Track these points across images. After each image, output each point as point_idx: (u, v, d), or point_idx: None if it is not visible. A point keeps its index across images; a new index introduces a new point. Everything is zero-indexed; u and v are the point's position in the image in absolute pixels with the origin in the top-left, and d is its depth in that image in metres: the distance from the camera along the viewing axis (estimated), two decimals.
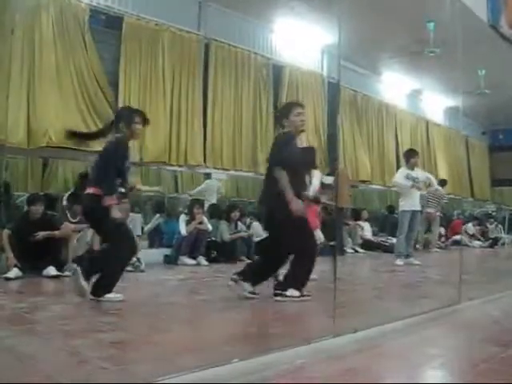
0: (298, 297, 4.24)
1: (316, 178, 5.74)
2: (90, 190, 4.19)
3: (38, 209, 5.84)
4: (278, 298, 4.27)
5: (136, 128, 4.30)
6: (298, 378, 2.43)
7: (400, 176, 7.95)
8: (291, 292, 4.26)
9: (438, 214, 10.89)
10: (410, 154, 8.16)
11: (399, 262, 7.70)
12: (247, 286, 4.38)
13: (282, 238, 4.37)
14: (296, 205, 4.20)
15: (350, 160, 12.42)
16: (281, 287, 4.34)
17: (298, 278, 4.35)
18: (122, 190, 4.27)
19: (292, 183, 4.23)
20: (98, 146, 7.62)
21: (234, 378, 2.30)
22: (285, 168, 4.23)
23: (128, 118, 4.29)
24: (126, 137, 4.29)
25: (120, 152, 4.21)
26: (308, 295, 4.29)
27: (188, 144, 9.14)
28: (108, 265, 4.11)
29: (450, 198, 13.03)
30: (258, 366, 2.48)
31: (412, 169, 7.94)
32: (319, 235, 5.90)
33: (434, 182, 9.21)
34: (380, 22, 9.61)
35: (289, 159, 4.27)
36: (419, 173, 8.13)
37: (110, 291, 4.05)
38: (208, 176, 9.84)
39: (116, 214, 4.06)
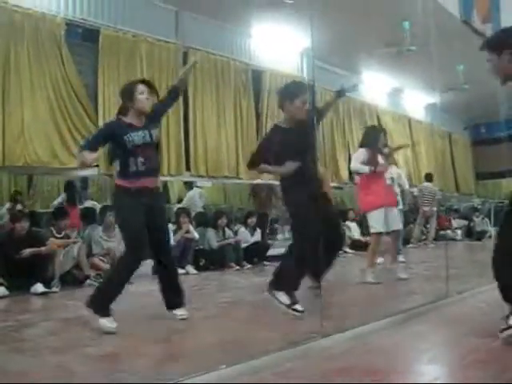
0: (288, 306, 3.87)
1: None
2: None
3: (24, 226, 5.79)
4: (269, 295, 3.98)
5: (139, 98, 3.76)
6: (289, 381, 2.43)
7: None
8: (282, 298, 3.92)
9: (434, 209, 11.00)
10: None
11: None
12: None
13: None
14: (284, 168, 4.04)
15: (330, 162, 12.47)
16: (273, 286, 4.01)
17: (289, 280, 4.00)
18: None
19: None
20: (73, 163, 7.74)
21: None
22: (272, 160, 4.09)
23: (129, 91, 3.82)
24: (134, 110, 3.78)
25: (108, 128, 3.85)
26: (300, 311, 3.82)
27: (170, 152, 9.13)
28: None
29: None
30: (247, 370, 2.48)
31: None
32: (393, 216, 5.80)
33: (405, 181, 8.48)
34: (356, 23, 9.68)
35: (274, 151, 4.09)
36: (395, 172, 8.01)
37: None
38: (190, 185, 9.82)
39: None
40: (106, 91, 8.38)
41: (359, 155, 5.87)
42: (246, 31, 10.75)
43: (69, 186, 8.48)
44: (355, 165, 5.83)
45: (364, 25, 9.81)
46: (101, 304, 3.59)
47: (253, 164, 4.32)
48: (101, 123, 8.13)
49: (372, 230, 5.82)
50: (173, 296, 3.95)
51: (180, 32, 9.59)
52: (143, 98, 3.78)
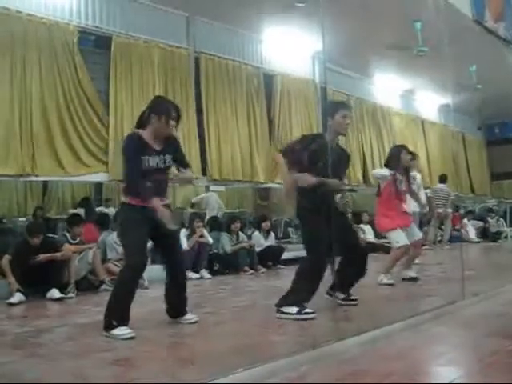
0: (297, 313, 3.85)
1: None
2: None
3: (37, 241, 5.77)
4: (278, 315, 3.96)
5: (169, 124, 3.71)
6: None
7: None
8: (288, 309, 3.91)
9: (449, 211, 10.93)
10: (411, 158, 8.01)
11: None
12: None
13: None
14: (304, 178, 4.04)
15: None
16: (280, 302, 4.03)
17: (298, 293, 3.99)
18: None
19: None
20: (81, 170, 7.81)
21: None
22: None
23: (159, 108, 3.74)
24: (154, 130, 3.73)
25: (133, 149, 3.69)
26: (310, 313, 3.85)
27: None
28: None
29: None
30: (262, 374, 2.47)
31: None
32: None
33: (422, 197, 8.25)
34: (367, 25, 9.65)
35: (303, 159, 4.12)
36: (417, 176, 7.98)
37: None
38: (207, 189, 9.88)
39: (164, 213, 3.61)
40: (119, 97, 8.44)
41: (384, 171, 5.91)
42: (258, 35, 10.78)
43: (84, 202, 8.55)
44: (378, 171, 5.85)
45: (375, 27, 9.78)
46: (110, 318, 3.55)
47: (284, 154, 4.25)
48: (112, 130, 8.21)
49: (397, 245, 5.75)
50: (179, 305, 3.95)
51: (191, 37, 9.63)
52: (171, 126, 3.74)
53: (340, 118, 4.25)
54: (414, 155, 8.09)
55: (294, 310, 3.88)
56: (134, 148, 3.69)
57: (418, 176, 8.17)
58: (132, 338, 3.40)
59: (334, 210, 4.16)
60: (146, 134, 3.75)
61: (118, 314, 3.55)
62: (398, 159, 5.86)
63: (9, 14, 7.29)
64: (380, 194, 5.90)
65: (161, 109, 3.75)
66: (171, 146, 3.85)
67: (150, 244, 4.01)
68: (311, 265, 4.08)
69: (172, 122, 3.74)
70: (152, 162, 3.71)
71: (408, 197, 6.39)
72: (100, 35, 8.46)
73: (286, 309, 3.93)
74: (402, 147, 6.15)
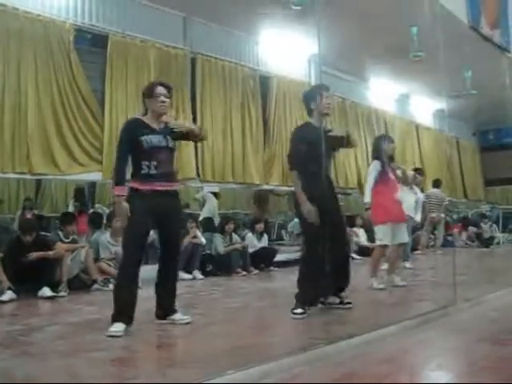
0: (299, 314, 3.97)
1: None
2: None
3: (30, 239, 5.77)
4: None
5: (159, 100, 3.82)
6: None
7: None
8: (295, 310, 4.01)
9: (442, 215, 10.97)
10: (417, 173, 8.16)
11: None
12: None
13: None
14: (307, 208, 4.11)
15: (338, 167, 12.43)
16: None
17: (301, 293, 4.11)
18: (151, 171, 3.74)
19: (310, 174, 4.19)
20: (75, 169, 7.77)
21: None
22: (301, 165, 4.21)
23: (149, 90, 3.89)
24: (153, 112, 3.86)
25: (128, 131, 3.82)
26: (298, 313, 3.97)
27: (179, 159, 9.13)
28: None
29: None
30: (255, 375, 2.47)
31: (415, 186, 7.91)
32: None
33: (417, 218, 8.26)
34: (363, 29, 9.68)
35: (303, 152, 4.23)
36: (418, 191, 8.05)
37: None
38: (201, 190, 9.87)
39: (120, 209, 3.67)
40: (114, 96, 8.41)
41: (372, 169, 5.90)
42: (254, 37, 10.78)
43: (78, 193, 8.52)
44: (369, 179, 5.86)
45: (371, 31, 9.80)
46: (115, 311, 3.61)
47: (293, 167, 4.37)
48: (108, 129, 8.18)
49: (378, 242, 5.83)
50: (169, 302, 3.96)
51: (188, 37, 9.62)
52: (160, 101, 3.83)
53: (321, 99, 4.43)
54: (420, 171, 8.13)
55: (299, 311, 3.98)
56: (130, 130, 3.82)
57: (419, 193, 8.20)
58: (116, 336, 3.41)
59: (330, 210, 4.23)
60: (146, 118, 3.89)
61: (115, 309, 3.60)
62: (381, 148, 5.86)
63: (5, 11, 7.25)
64: (375, 186, 5.87)
65: (150, 90, 3.89)
66: (168, 128, 3.91)
67: (150, 239, 4.01)
68: (308, 264, 4.16)
69: (162, 98, 3.85)
70: (155, 139, 3.78)
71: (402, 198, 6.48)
72: (96, 34, 8.42)
73: (294, 310, 4.01)
74: (384, 136, 6.20)
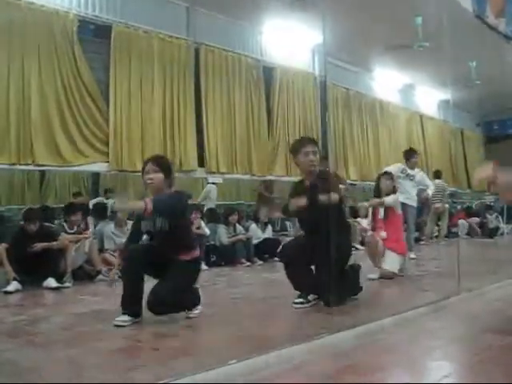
0: (299, 303, 4.04)
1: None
2: None
3: (33, 228, 5.81)
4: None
5: (144, 179, 3.75)
6: (297, 377, 2.43)
7: (393, 168, 7.52)
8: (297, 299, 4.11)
9: (446, 206, 10.97)
10: (410, 153, 7.89)
11: None
12: None
13: None
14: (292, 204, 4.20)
15: (341, 159, 12.43)
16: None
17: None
18: None
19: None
20: (80, 160, 7.78)
21: (231, 379, 2.30)
22: None
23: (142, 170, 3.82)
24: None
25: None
26: (297, 302, 4.05)
27: (182, 149, 9.15)
28: None
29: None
30: (257, 365, 2.48)
31: (412, 168, 7.77)
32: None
33: (429, 191, 8.45)
34: (368, 19, 9.63)
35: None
36: (417, 173, 7.92)
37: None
38: (206, 180, 9.90)
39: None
40: (118, 87, 8.42)
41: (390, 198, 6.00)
42: (258, 27, 10.75)
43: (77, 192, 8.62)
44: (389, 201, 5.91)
45: (376, 21, 9.75)
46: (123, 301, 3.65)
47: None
48: (113, 119, 8.19)
49: (387, 267, 5.73)
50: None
51: (191, 28, 9.60)
52: (146, 179, 3.73)
53: (302, 156, 4.15)
54: (415, 152, 8.07)
55: (300, 300, 4.04)
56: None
57: (419, 174, 8.11)
58: (117, 326, 3.46)
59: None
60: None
61: (121, 300, 3.63)
62: (378, 187, 6.02)
63: (9, 2, 7.26)
64: (388, 218, 5.91)
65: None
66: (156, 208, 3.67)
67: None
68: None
69: (147, 175, 3.71)
70: (144, 226, 3.85)
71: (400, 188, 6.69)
72: (100, 24, 8.43)
73: (296, 300, 4.06)
74: (380, 175, 6.21)
